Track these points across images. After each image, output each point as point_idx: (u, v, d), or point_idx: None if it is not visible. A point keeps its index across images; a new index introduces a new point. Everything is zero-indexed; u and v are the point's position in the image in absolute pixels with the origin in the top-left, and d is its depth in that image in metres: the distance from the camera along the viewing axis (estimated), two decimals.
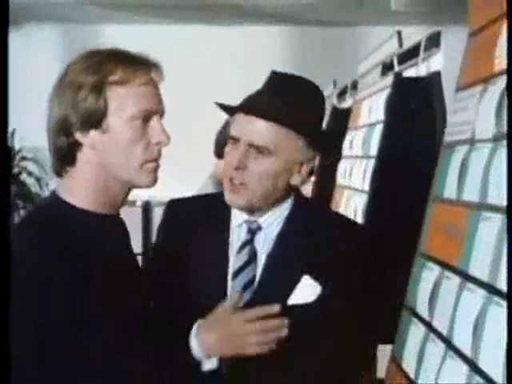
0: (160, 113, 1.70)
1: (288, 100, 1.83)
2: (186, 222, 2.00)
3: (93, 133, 1.63)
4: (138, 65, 1.66)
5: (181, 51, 7.58)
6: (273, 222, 1.92)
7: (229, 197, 1.89)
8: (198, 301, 1.93)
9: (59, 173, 1.70)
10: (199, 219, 1.98)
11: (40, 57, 7.88)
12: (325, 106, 1.95)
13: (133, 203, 6.31)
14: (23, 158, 7.99)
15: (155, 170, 1.70)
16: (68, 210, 1.67)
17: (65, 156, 1.66)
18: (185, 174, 5.75)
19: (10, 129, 7.61)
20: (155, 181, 1.71)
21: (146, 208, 6.72)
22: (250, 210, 1.90)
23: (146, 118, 1.66)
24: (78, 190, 1.68)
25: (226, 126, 3.84)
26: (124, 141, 1.64)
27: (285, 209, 1.94)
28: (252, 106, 1.86)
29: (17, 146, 7.89)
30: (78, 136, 1.63)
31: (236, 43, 7.84)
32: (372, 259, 1.93)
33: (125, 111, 1.63)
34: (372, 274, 1.93)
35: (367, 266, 1.91)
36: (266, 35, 7.86)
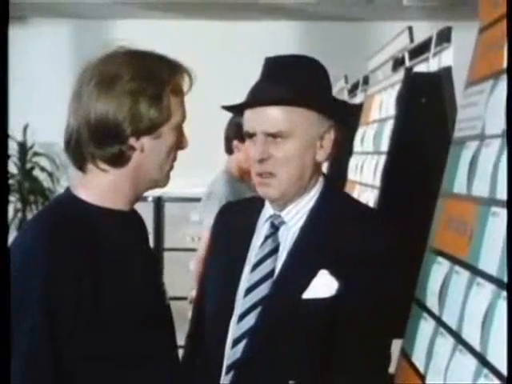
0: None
1: (287, 80, 1.82)
2: (225, 225, 2.05)
3: (144, 138, 1.67)
4: (183, 73, 1.72)
5: (188, 47, 7.58)
6: (296, 215, 1.89)
7: (261, 191, 1.88)
8: (210, 298, 1.97)
9: (84, 169, 1.71)
10: (235, 221, 2.01)
11: (53, 53, 7.90)
12: (327, 74, 1.92)
13: (144, 199, 6.32)
14: (35, 154, 8.02)
15: None
16: (84, 207, 1.69)
17: (116, 158, 1.67)
18: (195, 170, 5.75)
19: (23, 124, 7.64)
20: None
21: (158, 203, 6.73)
22: (284, 199, 1.88)
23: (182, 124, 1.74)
24: (102, 188, 1.70)
25: (233, 121, 3.87)
26: (169, 147, 1.71)
27: (310, 199, 1.90)
28: (255, 97, 1.86)
29: (29, 142, 7.92)
30: (132, 141, 1.66)
31: (247, 39, 7.83)
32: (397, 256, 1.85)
33: (174, 119, 1.70)
34: (394, 271, 1.85)
35: (391, 264, 1.84)
36: (275, 30, 7.85)
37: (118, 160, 1.67)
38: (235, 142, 3.88)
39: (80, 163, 1.70)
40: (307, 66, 1.89)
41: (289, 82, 1.83)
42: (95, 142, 1.65)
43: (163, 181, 1.76)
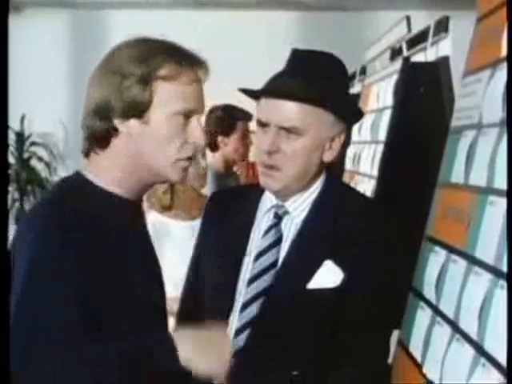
0: (201, 112, 1.71)
1: (311, 77, 1.81)
2: (219, 211, 2.03)
3: (132, 122, 1.64)
4: (187, 62, 1.66)
5: (193, 36, 7.55)
6: (300, 205, 1.90)
7: (263, 181, 1.88)
8: (207, 287, 1.96)
9: (87, 154, 1.70)
10: (229, 208, 2.00)
11: (50, 43, 7.87)
12: (347, 75, 1.92)
13: None
14: (33, 144, 8.01)
15: (186, 168, 1.70)
16: (93, 189, 1.68)
17: (99, 139, 1.66)
18: None
19: (20, 114, 7.62)
20: (184, 178, 1.72)
21: None
22: (285, 192, 1.89)
23: (187, 116, 1.67)
24: (106, 173, 1.68)
25: (213, 116, 3.86)
26: (162, 136, 1.65)
27: (313, 191, 1.91)
28: (276, 88, 1.85)
29: (26, 132, 7.91)
30: (117, 122, 1.63)
31: (244, 29, 7.81)
32: (397, 245, 1.88)
33: (168, 107, 1.64)
34: (396, 261, 1.88)
35: (392, 254, 1.87)
36: (273, 21, 7.83)
37: (101, 142, 1.66)
38: (220, 138, 3.87)
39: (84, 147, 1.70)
40: (332, 65, 1.88)
41: (312, 80, 1.81)
42: (88, 124, 1.65)
43: (168, 174, 1.68)
